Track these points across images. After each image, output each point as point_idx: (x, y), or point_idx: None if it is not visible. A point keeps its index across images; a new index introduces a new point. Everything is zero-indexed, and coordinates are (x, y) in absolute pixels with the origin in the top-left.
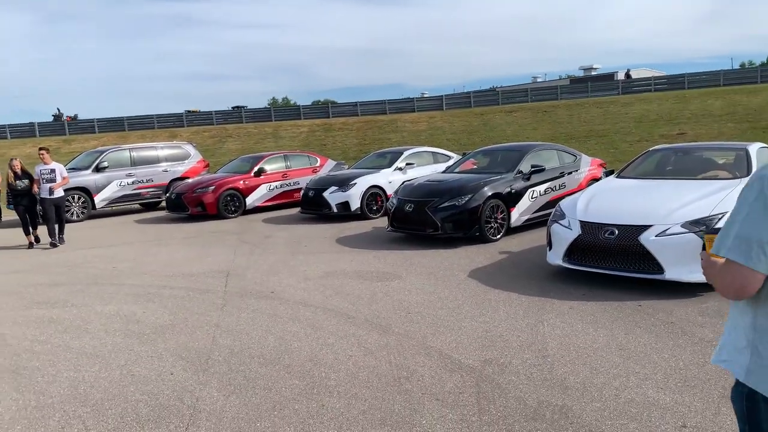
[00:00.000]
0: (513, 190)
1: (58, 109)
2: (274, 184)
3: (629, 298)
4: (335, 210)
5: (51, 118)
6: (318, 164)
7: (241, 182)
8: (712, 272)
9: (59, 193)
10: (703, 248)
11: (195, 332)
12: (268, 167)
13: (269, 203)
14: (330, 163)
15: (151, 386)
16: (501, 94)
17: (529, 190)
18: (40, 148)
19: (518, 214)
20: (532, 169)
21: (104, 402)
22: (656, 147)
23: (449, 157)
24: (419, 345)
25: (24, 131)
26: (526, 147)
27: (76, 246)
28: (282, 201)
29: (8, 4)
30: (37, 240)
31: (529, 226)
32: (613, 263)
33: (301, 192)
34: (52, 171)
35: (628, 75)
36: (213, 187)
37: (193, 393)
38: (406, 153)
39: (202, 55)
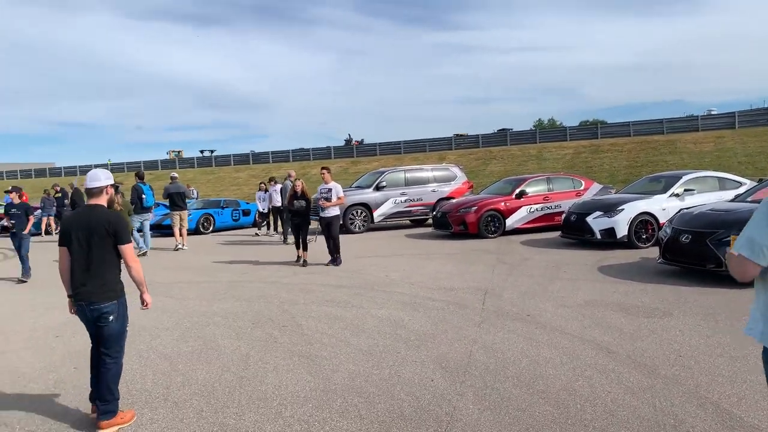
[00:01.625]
0: None
1: (349, 134)
2: (534, 207)
3: None
4: (598, 236)
5: (343, 143)
6: (582, 187)
7: (502, 204)
8: (731, 261)
9: (333, 212)
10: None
11: (453, 344)
12: (530, 189)
13: (529, 226)
14: (595, 187)
15: (415, 389)
16: None
17: None
18: (322, 168)
19: None
20: None
21: (375, 396)
22: None
23: (740, 184)
24: (690, 393)
25: (323, 154)
26: None
27: (357, 254)
28: (542, 224)
29: (312, 48)
30: (304, 263)
31: None
32: None
33: (563, 216)
34: (329, 190)
35: None
36: (475, 208)
37: (450, 402)
38: (685, 178)
39: (471, 79)
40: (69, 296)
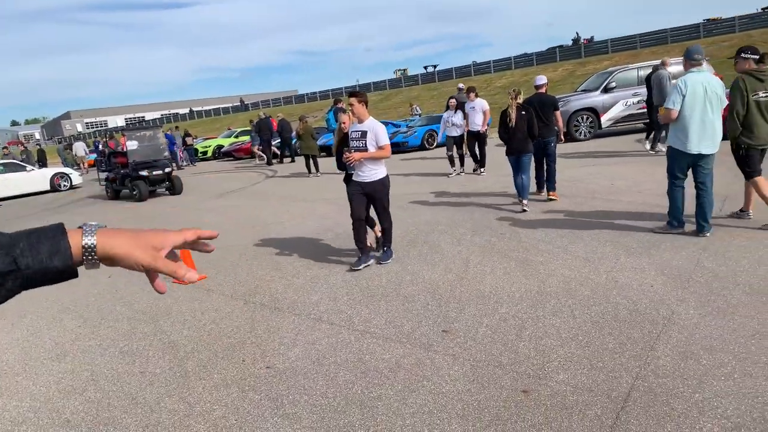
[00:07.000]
0: None
1: (576, 33)
2: None
3: None
4: None
5: (570, 43)
6: None
7: None
8: None
9: (373, 173)
10: None
11: (680, 252)
12: None
13: None
14: None
15: (632, 294)
16: None
17: None
18: (350, 95)
19: None
20: None
21: (590, 299)
22: None
23: None
24: None
25: (547, 57)
26: None
27: (582, 163)
28: None
29: None
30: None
31: None
32: None
33: None
34: (363, 134)
35: None
36: None
37: (669, 306)
38: None
39: None
40: None
